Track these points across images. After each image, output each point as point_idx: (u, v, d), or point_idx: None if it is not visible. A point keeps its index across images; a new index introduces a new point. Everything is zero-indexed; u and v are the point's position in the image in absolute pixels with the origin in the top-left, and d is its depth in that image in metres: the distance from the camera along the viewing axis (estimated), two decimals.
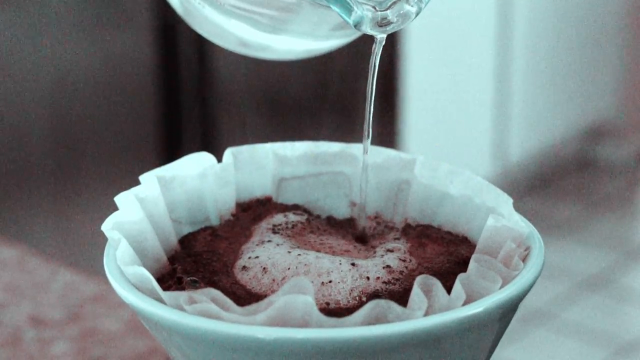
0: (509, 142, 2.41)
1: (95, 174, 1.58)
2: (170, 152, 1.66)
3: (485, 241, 0.42)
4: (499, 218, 0.42)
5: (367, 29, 0.43)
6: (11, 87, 1.47)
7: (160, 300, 0.38)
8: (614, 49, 2.66)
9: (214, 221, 0.45)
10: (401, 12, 0.43)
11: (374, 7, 0.43)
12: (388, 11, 0.43)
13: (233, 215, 0.46)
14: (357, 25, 0.43)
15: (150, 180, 0.43)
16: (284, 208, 0.46)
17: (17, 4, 1.46)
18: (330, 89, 1.83)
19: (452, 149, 2.26)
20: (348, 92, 1.86)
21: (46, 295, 0.71)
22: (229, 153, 0.46)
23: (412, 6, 0.43)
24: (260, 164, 0.47)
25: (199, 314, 0.37)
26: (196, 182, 0.45)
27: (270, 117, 1.76)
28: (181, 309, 0.37)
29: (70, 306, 0.70)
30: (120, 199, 0.42)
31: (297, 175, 0.47)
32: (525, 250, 0.41)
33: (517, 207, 0.43)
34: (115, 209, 0.42)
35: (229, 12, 0.45)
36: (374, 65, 0.45)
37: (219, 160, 0.46)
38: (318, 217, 0.47)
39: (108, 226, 0.41)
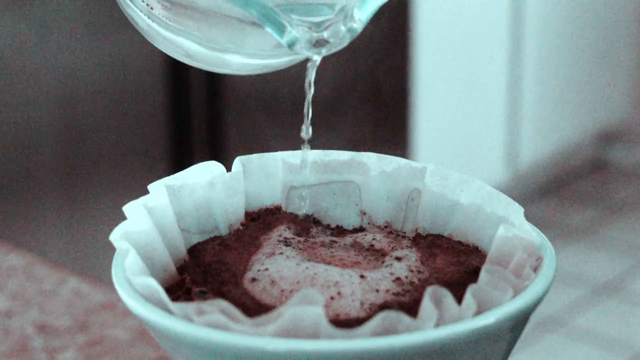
0: (520, 146, 2.40)
1: (104, 182, 1.58)
2: (179, 160, 1.66)
3: (496, 251, 0.41)
4: (510, 228, 0.41)
5: (302, 50, 0.42)
6: (19, 94, 1.47)
7: (168, 311, 0.38)
8: (626, 52, 2.65)
9: (223, 231, 0.45)
10: (338, 33, 0.43)
11: (309, 28, 0.42)
12: (324, 32, 0.42)
13: (242, 224, 0.45)
14: (290, 46, 0.42)
15: (158, 189, 0.43)
16: (294, 217, 0.46)
17: (24, 7, 1.46)
18: (342, 95, 1.82)
19: (463, 154, 2.25)
20: (363, 98, 1.86)
21: (54, 303, 0.71)
22: (238, 162, 0.46)
23: (348, 27, 0.43)
24: (270, 173, 0.46)
25: (208, 325, 0.36)
26: (205, 191, 0.45)
27: (280, 124, 1.76)
28: (190, 320, 0.37)
29: (77, 314, 0.70)
30: (128, 208, 0.42)
31: (307, 184, 0.47)
32: (537, 260, 0.41)
33: (529, 212, 0.43)
34: (124, 218, 0.42)
35: (169, 28, 0.45)
36: (310, 85, 0.44)
37: (228, 169, 0.46)
38: (328, 226, 0.47)
39: (116, 236, 0.41)
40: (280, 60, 0.45)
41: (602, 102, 2.62)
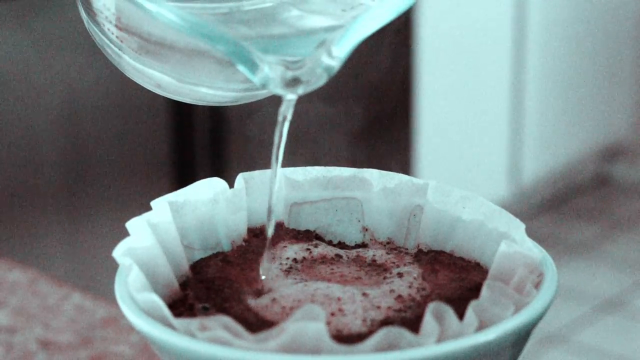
0: (523, 162, 2.40)
1: (107, 198, 1.58)
2: (181, 176, 1.66)
3: (497, 267, 0.42)
4: (512, 244, 0.41)
5: (276, 90, 0.40)
6: (22, 110, 1.48)
7: (171, 326, 0.38)
8: (629, 69, 2.65)
9: (226, 247, 0.45)
10: (314, 71, 0.40)
11: (284, 66, 0.40)
12: (299, 71, 0.40)
13: (245, 240, 0.45)
14: (264, 86, 0.40)
15: (161, 206, 0.43)
16: (296, 233, 0.46)
17: (27, 24, 1.46)
18: (343, 111, 1.83)
19: (466, 170, 2.25)
20: (364, 113, 1.86)
21: (57, 319, 0.71)
22: (240, 178, 0.46)
23: (325, 66, 0.40)
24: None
25: (211, 340, 0.36)
26: (208, 207, 0.45)
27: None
28: (192, 335, 0.37)
29: (80, 330, 0.70)
30: (131, 224, 0.42)
31: (309, 200, 0.47)
32: (538, 276, 0.41)
33: (531, 228, 0.43)
34: (127, 234, 0.42)
35: (140, 60, 0.43)
36: (285, 121, 0.42)
37: (231, 185, 0.46)
38: (330, 242, 0.47)
39: (119, 252, 0.41)
40: (255, 93, 0.44)
41: (604, 118, 2.62)
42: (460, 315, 0.37)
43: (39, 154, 1.51)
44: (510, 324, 0.37)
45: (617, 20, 2.58)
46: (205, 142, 1.68)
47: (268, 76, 0.40)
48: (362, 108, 1.86)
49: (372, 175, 0.47)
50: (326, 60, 0.40)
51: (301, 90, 0.41)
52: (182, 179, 1.66)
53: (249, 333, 0.37)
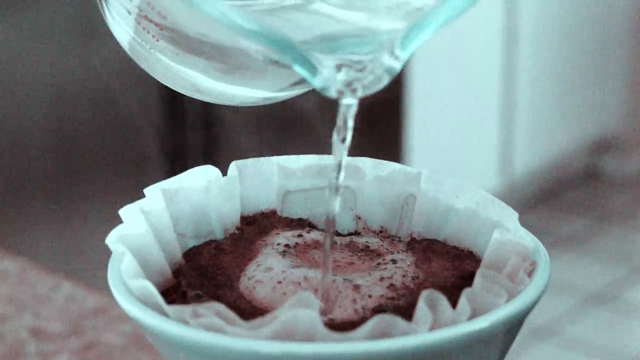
0: (514, 155, 2.41)
1: (98, 186, 1.58)
2: (174, 164, 1.66)
3: (490, 256, 0.42)
4: (505, 232, 0.42)
5: (336, 94, 0.38)
6: (11, 99, 1.47)
7: (164, 314, 0.38)
8: (620, 62, 2.66)
9: (219, 235, 0.45)
10: (377, 71, 0.38)
11: (345, 67, 0.38)
12: (361, 73, 0.38)
13: (238, 229, 0.45)
14: (323, 90, 0.38)
15: (155, 193, 0.43)
16: (289, 221, 0.46)
17: (16, 16, 1.46)
18: (333, 102, 1.82)
19: (457, 162, 2.25)
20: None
21: (48, 308, 0.71)
22: (233, 166, 0.46)
23: (387, 67, 0.38)
24: (265, 177, 0.46)
25: (204, 327, 0.36)
26: (201, 195, 0.45)
27: (275, 130, 1.76)
28: (185, 322, 0.37)
29: (71, 319, 0.70)
30: (125, 211, 0.42)
31: (302, 189, 0.47)
32: (531, 264, 0.41)
33: (523, 221, 0.43)
34: (118, 222, 0.42)
35: (181, 61, 0.42)
36: (346, 128, 0.39)
37: (224, 173, 0.46)
38: (323, 230, 0.47)
39: (112, 239, 0.41)
40: (292, 92, 0.43)
41: (595, 112, 2.63)
42: (454, 303, 0.38)
43: (29, 143, 1.50)
44: (503, 311, 0.37)
45: (608, 14, 2.58)
46: (197, 130, 1.68)
47: (328, 79, 0.37)
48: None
49: (365, 163, 0.47)
50: (388, 61, 0.38)
51: (361, 93, 0.38)
52: (174, 167, 1.66)
53: (242, 320, 0.37)
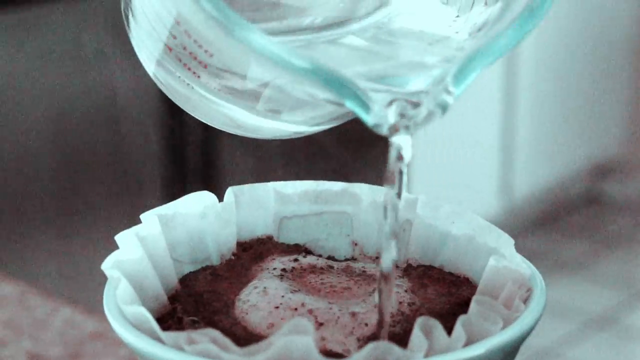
0: (514, 179, 2.41)
1: (97, 211, 1.58)
2: (172, 190, 1.66)
3: (486, 282, 0.42)
4: (501, 259, 0.42)
5: (388, 132, 0.36)
6: (11, 124, 1.48)
7: (159, 340, 0.38)
8: (619, 86, 2.66)
9: (215, 261, 0.45)
10: (430, 106, 0.36)
11: (400, 100, 0.36)
12: (415, 110, 0.36)
13: (234, 254, 0.45)
14: (376, 127, 0.36)
15: (151, 219, 0.43)
16: (285, 247, 0.46)
17: (17, 38, 1.46)
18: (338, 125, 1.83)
19: (457, 186, 2.25)
20: (353, 127, 1.86)
21: (46, 332, 0.71)
22: (230, 192, 0.46)
23: (439, 101, 0.36)
24: (262, 203, 0.47)
25: (199, 354, 0.36)
26: (197, 221, 0.45)
27: (275, 155, 1.76)
28: (181, 349, 0.37)
29: (70, 344, 0.69)
30: (120, 237, 0.42)
31: (299, 214, 0.47)
32: (527, 291, 0.41)
33: (523, 245, 0.43)
34: (116, 247, 0.42)
35: (221, 96, 0.40)
36: (403, 163, 0.37)
37: (221, 199, 0.46)
38: (320, 256, 0.47)
39: (108, 265, 0.41)
40: (326, 126, 0.42)
41: (596, 135, 2.63)
42: (449, 330, 0.37)
43: (29, 167, 1.50)
44: (499, 339, 0.37)
45: (607, 39, 2.59)
46: (196, 155, 1.68)
47: (381, 115, 0.36)
48: (352, 122, 1.85)
49: (362, 189, 0.47)
50: (441, 96, 0.37)
51: (413, 129, 0.37)
52: (173, 192, 1.66)
53: (237, 346, 0.37)
